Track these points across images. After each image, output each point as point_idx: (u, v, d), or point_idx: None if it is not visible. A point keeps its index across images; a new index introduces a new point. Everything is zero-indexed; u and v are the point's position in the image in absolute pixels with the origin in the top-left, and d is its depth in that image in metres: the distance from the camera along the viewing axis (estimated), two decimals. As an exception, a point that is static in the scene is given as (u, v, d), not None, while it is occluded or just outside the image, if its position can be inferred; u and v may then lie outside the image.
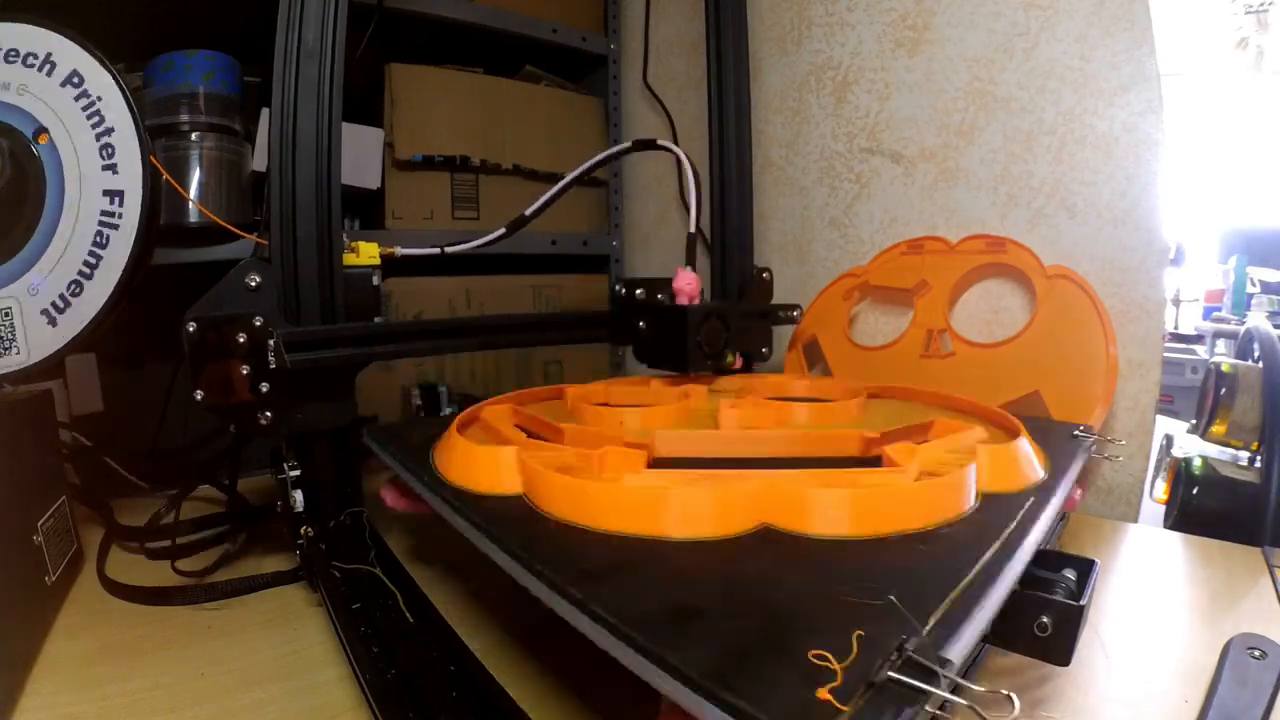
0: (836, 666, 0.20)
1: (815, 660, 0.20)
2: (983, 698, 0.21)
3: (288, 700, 0.36)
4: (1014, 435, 0.43)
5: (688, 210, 0.65)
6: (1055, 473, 0.40)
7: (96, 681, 0.38)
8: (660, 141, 0.68)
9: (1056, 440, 0.47)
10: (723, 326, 0.63)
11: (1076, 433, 0.49)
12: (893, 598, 0.24)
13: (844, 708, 0.18)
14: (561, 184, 0.71)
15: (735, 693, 0.19)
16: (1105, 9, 0.66)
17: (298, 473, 0.48)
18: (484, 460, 0.38)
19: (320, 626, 0.43)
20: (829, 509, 0.31)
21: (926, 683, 0.19)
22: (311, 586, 0.47)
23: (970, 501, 0.34)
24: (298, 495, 0.48)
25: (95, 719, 0.35)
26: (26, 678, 0.37)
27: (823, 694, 0.19)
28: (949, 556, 0.28)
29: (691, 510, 0.31)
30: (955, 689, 0.20)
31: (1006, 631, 0.32)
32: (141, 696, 0.36)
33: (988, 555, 0.28)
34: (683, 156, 0.65)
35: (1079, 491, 0.55)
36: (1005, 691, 0.21)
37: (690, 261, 0.64)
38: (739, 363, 0.68)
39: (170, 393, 0.73)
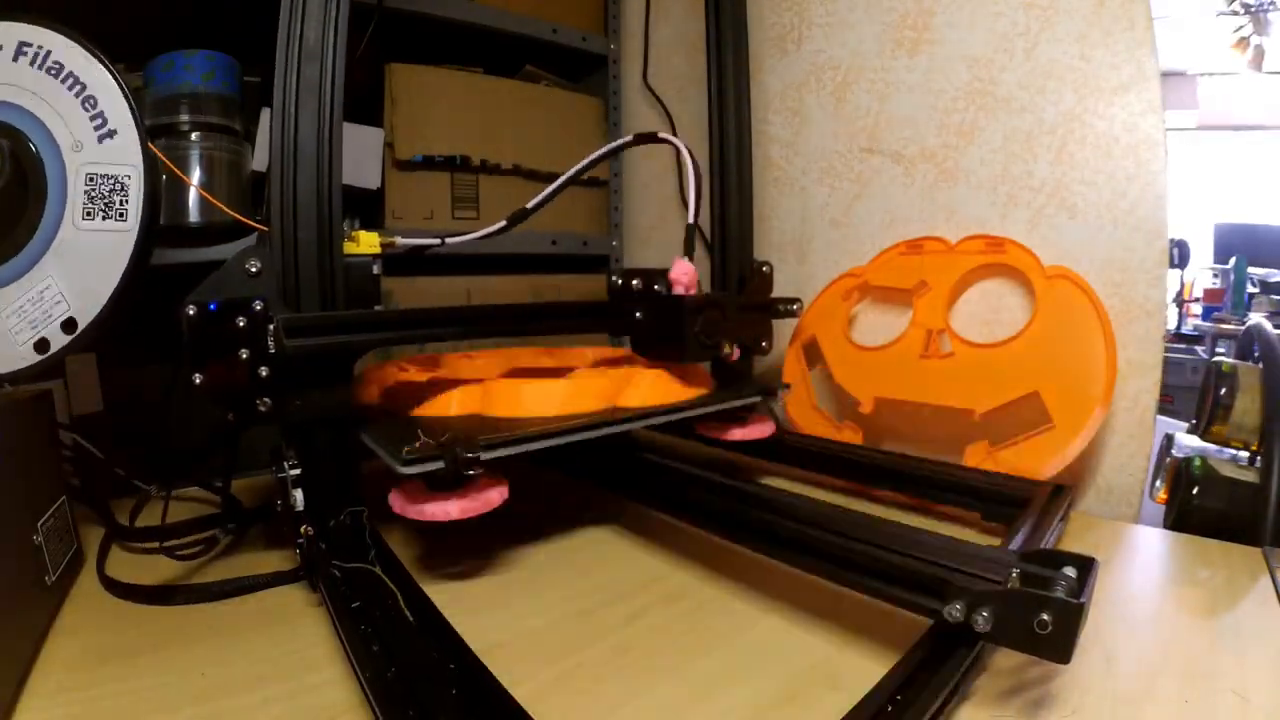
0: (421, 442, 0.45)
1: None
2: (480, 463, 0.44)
3: (288, 700, 0.36)
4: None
5: (685, 203, 0.65)
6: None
7: (96, 681, 0.38)
8: (661, 134, 0.69)
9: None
10: (720, 316, 0.63)
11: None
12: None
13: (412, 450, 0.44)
14: (564, 178, 0.71)
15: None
16: (1105, 9, 0.66)
17: (298, 471, 0.48)
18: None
19: (320, 626, 0.43)
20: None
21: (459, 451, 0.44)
22: (311, 586, 0.47)
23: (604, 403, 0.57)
24: (298, 494, 0.48)
25: (95, 719, 0.35)
26: (26, 678, 0.37)
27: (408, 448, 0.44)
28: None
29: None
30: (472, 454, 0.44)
31: (1007, 629, 0.32)
32: (141, 696, 0.36)
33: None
34: (682, 147, 0.65)
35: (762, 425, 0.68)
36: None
37: (688, 253, 0.64)
38: (736, 354, 0.68)
39: (171, 393, 0.73)
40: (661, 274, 0.64)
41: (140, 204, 0.49)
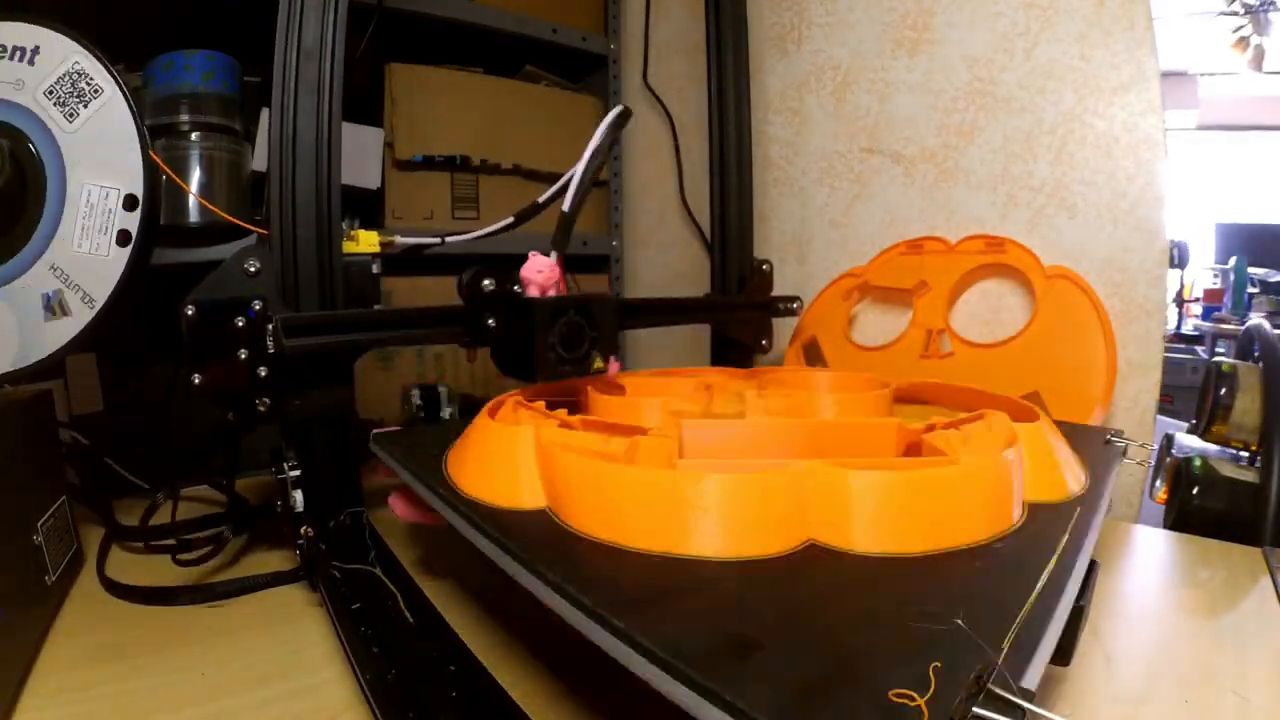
0: (920, 703, 0.18)
1: (896, 699, 0.19)
2: None
3: (288, 700, 0.36)
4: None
5: (584, 187, 0.53)
6: (1095, 479, 0.38)
7: (96, 681, 0.38)
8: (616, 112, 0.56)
9: (1088, 445, 0.44)
10: (584, 324, 0.50)
11: (1110, 438, 0.47)
12: (959, 621, 0.22)
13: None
14: (578, 174, 0.65)
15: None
16: (1105, 9, 0.66)
17: (298, 472, 0.48)
18: (500, 448, 0.37)
19: (320, 626, 0.43)
20: (874, 502, 0.29)
21: (1009, 716, 0.18)
22: (311, 586, 0.47)
23: (1018, 507, 0.33)
24: (298, 495, 0.48)
25: (95, 719, 0.35)
26: (26, 678, 0.37)
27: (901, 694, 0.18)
28: (1006, 572, 0.27)
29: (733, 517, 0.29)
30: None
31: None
32: (141, 696, 0.36)
33: (1048, 570, 0.27)
34: (608, 119, 0.54)
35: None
36: None
37: (557, 246, 0.53)
38: (613, 368, 0.54)
39: (171, 392, 0.73)
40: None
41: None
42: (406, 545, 0.55)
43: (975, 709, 0.18)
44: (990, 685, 0.19)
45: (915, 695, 0.19)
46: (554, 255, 0.52)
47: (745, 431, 0.40)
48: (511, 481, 0.35)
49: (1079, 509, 0.33)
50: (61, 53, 0.48)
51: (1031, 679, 0.21)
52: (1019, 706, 0.18)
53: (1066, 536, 0.30)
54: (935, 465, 0.33)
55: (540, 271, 0.50)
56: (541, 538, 0.31)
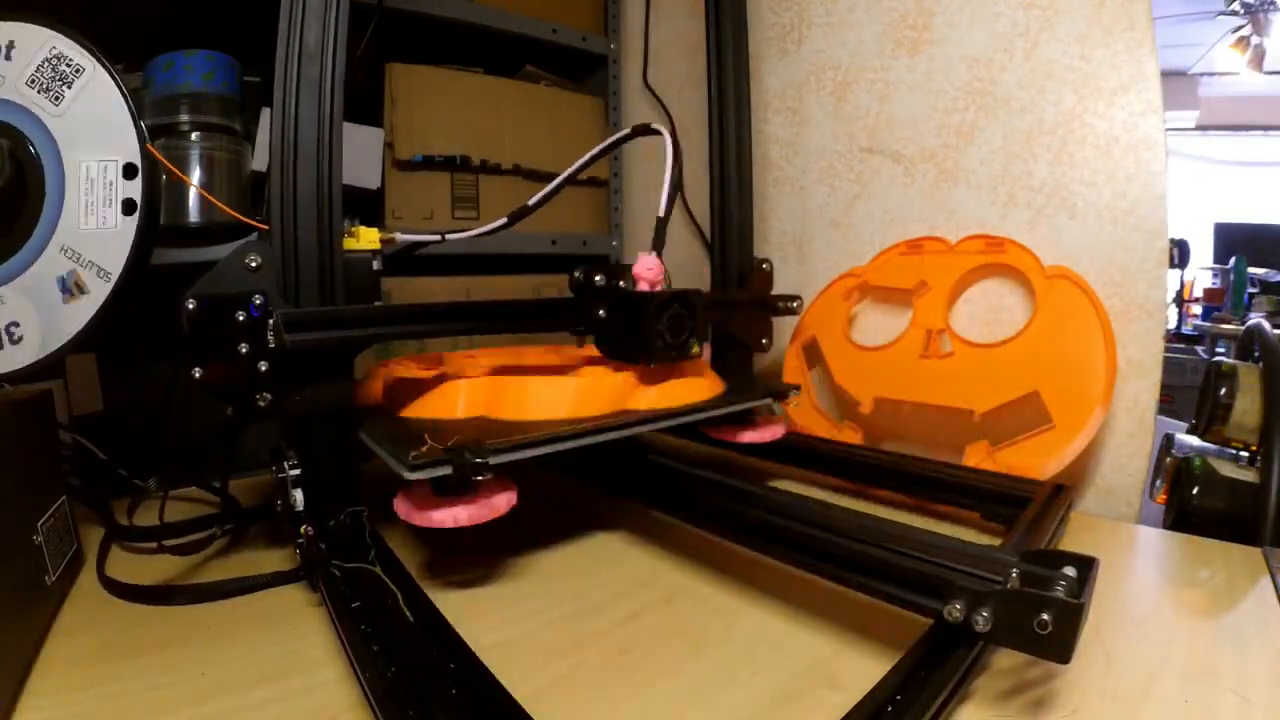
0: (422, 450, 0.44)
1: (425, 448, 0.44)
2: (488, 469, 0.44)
3: (288, 700, 0.36)
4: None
5: (673, 194, 0.63)
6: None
7: (96, 681, 0.38)
8: (654, 125, 0.66)
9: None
10: (687, 315, 0.59)
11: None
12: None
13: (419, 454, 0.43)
14: (567, 173, 0.71)
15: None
16: (1105, 9, 0.66)
17: (298, 471, 0.48)
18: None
19: (320, 626, 0.43)
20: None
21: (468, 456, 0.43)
22: (311, 586, 0.47)
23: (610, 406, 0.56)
24: (298, 494, 0.48)
25: (95, 719, 0.35)
26: (26, 678, 0.37)
27: (415, 453, 0.43)
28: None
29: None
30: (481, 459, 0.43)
31: (1007, 629, 0.32)
32: (141, 696, 0.36)
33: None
34: (668, 137, 0.63)
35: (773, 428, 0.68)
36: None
37: (656, 247, 0.61)
38: (706, 353, 0.64)
39: (171, 392, 0.73)
40: (625, 269, 0.61)
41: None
42: (406, 545, 0.55)
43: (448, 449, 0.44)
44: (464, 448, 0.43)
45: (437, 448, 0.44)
46: (655, 255, 0.60)
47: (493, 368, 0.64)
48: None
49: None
50: (37, 41, 0.48)
51: (495, 456, 0.45)
52: (462, 454, 0.43)
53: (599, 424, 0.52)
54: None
55: (650, 269, 0.59)
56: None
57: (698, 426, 0.66)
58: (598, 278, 0.59)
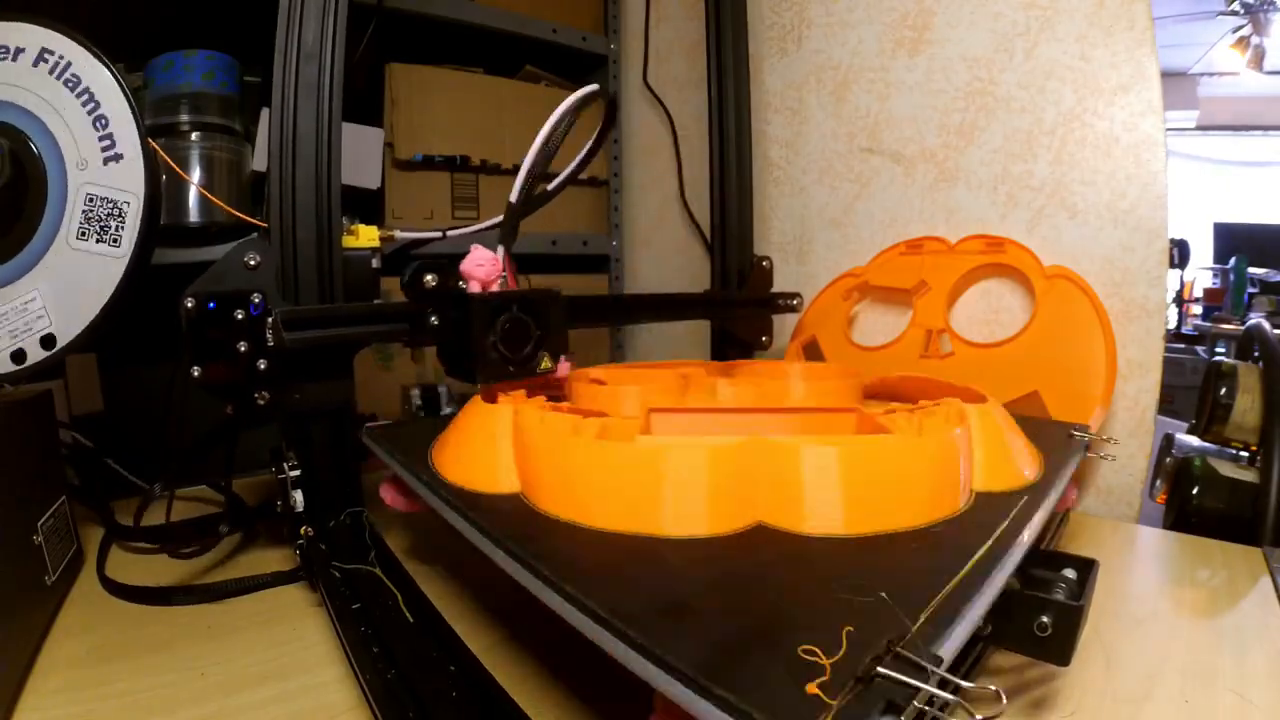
0: (825, 661, 0.20)
1: (804, 655, 0.20)
2: (971, 693, 0.20)
3: (288, 700, 0.36)
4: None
5: (533, 172, 0.51)
6: (1050, 471, 0.39)
7: (96, 681, 0.38)
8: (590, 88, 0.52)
9: (1051, 438, 0.46)
10: (529, 321, 0.47)
11: (1074, 433, 0.48)
12: (884, 594, 0.23)
13: (831, 701, 0.18)
14: (569, 171, 0.70)
15: (725, 686, 0.19)
16: (1105, 9, 0.66)
17: (298, 472, 0.48)
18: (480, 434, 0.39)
19: (320, 626, 0.43)
20: (823, 480, 0.31)
21: (915, 678, 0.19)
22: (311, 586, 0.47)
23: (965, 493, 0.34)
24: (298, 495, 0.48)
25: (95, 719, 0.35)
26: (26, 678, 0.37)
27: (811, 688, 0.19)
28: (941, 553, 0.28)
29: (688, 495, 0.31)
30: (943, 684, 0.20)
31: (1007, 631, 0.32)
32: (142, 696, 0.36)
33: (980, 553, 0.28)
34: (570, 101, 0.50)
35: (1074, 492, 0.54)
36: (994, 687, 0.21)
37: (502, 240, 0.50)
38: (563, 368, 0.51)
39: (171, 392, 0.73)
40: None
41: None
42: (401, 537, 0.55)
43: (879, 668, 0.19)
44: (900, 649, 0.20)
45: (819, 651, 0.20)
46: (500, 250, 0.49)
47: (710, 418, 0.41)
48: (489, 465, 0.37)
49: (1025, 496, 0.35)
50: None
51: (948, 649, 0.22)
52: (924, 669, 0.19)
53: (1007, 522, 0.31)
54: (881, 437, 0.34)
55: (481, 265, 0.48)
56: (511, 519, 0.34)
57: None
58: (428, 277, 0.48)
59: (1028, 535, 0.31)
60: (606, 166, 1.13)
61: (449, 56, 0.95)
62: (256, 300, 0.46)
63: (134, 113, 0.49)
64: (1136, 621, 0.43)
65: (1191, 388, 0.73)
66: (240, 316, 0.45)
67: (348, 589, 0.41)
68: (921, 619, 0.22)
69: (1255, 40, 3.32)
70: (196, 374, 0.45)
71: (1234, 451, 0.64)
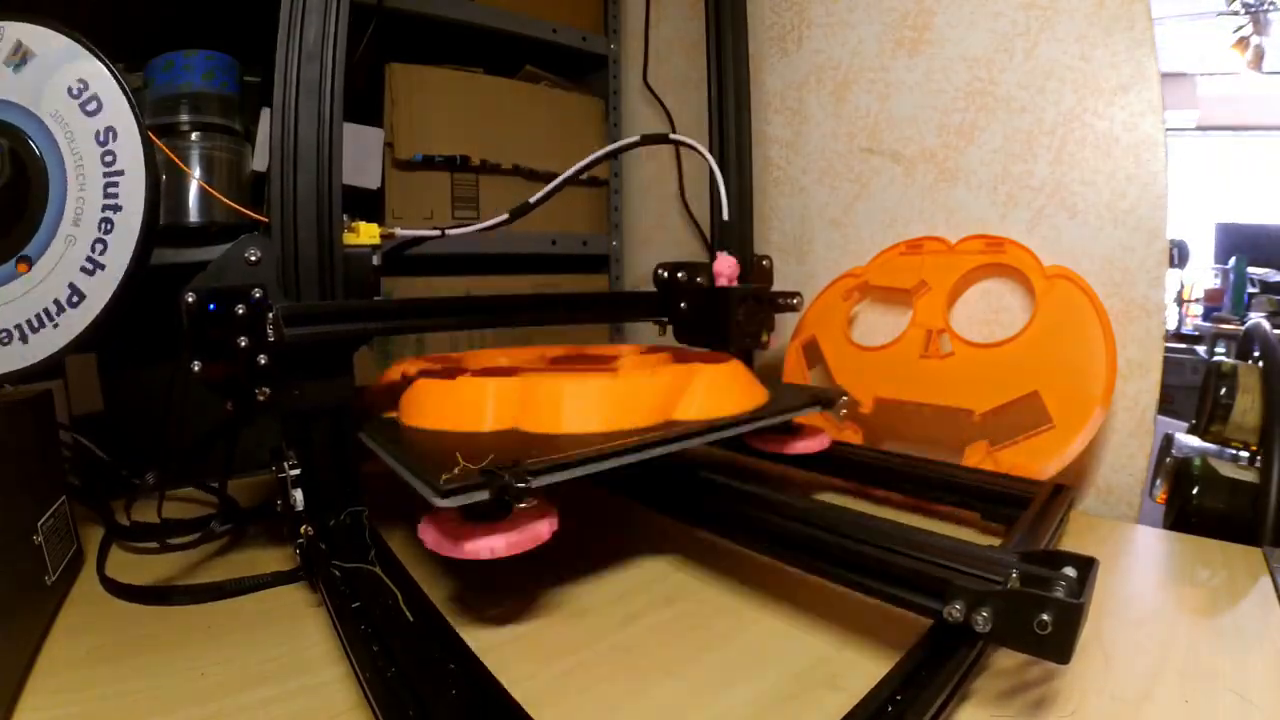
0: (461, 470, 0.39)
1: (462, 468, 0.39)
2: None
3: (288, 700, 0.36)
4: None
5: (716, 199, 0.72)
6: (758, 413, 0.54)
7: (96, 681, 0.38)
8: (673, 136, 0.71)
9: (796, 397, 0.61)
10: (759, 307, 0.68)
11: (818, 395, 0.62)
12: (535, 451, 0.43)
13: (448, 476, 0.38)
14: (571, 170, 0.71)
15: (419, 477, 0.39)
16: (1105, 9, 0.66)
17: (298, 471, 0.48)
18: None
19: (320, 626, 0.43)
20: (544, 400, 0.50)
21: (500, 478, 0.38)
22: (311, 586, 0.47)
23: (658, 417, 0.51)
24: (298, 494, 0.48)
25: (95, 719, 0.35)
26: (27, 678, 0.37)
27: (445, 475, 0.38)
28: (596, 444, 0.44)
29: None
30: (520, 481, 0.38)
31: (1007, 629, 0.32)
32: (142, 696, 0.36)
33: (617, 445, 0.44)
34: (702, 148, 0.69)
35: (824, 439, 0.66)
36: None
37: (727, 247, 0.70)
38: (772, 342, 0.73)
39: (170, 393, 0.73)
40: (697, 267, 0.70)
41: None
42: (406, 545, 0.55)
43: (483, 469, 0.39)
44: (497, 469, 0.38)
45: (470, 468, 0.39)
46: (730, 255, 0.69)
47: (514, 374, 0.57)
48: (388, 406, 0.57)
49: (706, 426, 0.50)
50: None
51: (545, 479, 0.40)
52: (508, 473, 0.38)
53: (657, 436, 0.47)
54: (587, 376, 0.52)
55: (729, 267, 0.68)
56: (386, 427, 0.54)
57: (741, 436, 0.59)
58: (680, 274, 0.70)
59: (675, 447, 0.48)
60: (607, 166, 1.13)
61: (449, 56, 0.95)
62: (257, 295, 0.46)
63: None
64: (1136, 621, 0.43)
65: (1191, 388, 0.73)
66: (241, 312, 0.45)
67: (348, 588, 0.41)
68: (528, 463, 0.40)
69: (1255, 40, 3.32)
70: (197, 369, 0.45)
71: (1234, 451, 0.64)
